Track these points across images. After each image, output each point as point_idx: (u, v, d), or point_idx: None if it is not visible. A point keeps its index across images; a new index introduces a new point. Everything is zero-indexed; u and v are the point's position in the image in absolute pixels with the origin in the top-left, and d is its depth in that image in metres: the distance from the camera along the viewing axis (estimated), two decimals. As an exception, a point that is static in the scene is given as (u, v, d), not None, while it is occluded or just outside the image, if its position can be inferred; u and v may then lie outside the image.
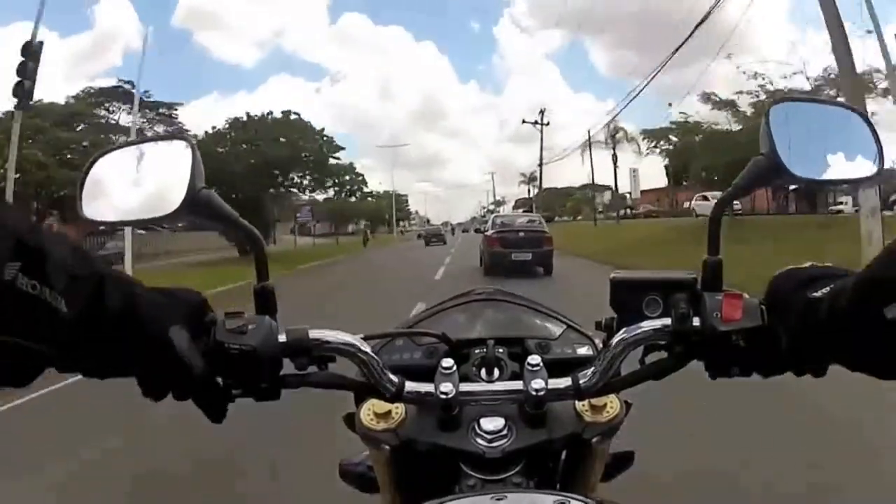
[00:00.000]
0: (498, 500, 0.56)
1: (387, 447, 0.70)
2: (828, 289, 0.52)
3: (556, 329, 0.83)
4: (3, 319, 0.42)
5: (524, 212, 39.07)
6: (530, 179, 76.99)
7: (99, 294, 0.49)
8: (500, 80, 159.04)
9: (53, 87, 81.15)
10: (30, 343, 0.44)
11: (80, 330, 0.48)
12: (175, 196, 0.61)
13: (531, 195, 74.92)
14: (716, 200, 0.68)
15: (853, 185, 0.62)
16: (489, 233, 15.01)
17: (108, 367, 0.53)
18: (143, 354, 0.54)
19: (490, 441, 0.66)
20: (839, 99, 11.19)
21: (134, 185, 0.66)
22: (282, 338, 0.61)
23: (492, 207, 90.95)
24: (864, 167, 0.62)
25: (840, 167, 0.62)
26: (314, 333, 0.63)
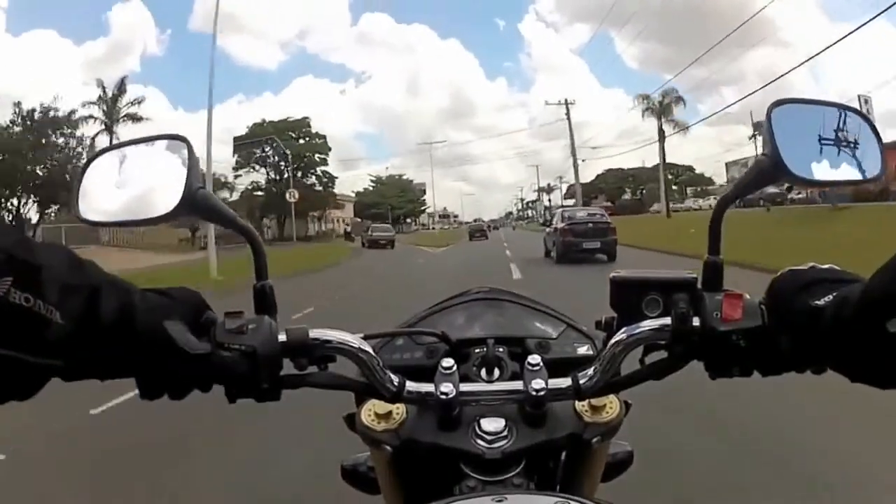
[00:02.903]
0: (498, 501, 0.56)
1: (388, 448, 0.70)
2: (830, 297, 0.52)
3: (555, 328, 0.82)
4: None
5: (584, 204, 38.82)
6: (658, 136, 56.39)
7: (94, 303, 0.49)
8: (528, 77, 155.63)
9: (71, 93, 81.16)
10: (28, 356, 0.45)
11: (77, 339, 0.48)
12: (172, 195, 0.61)
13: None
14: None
15: (855, 186, 0.63)
16: (560, 226, 16.58)
17: (109, 369, 0.53)
18: (142, 353, 0.53)
19: (490, 442, 0.66)
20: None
21: (131, 184, 0.65)
22: (282, 337, 0.60)
23: (535, 197, 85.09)
24: (865, 167, 0.62)
25: (842, 168, 0.62)
26: (314, 333, 0.62)
